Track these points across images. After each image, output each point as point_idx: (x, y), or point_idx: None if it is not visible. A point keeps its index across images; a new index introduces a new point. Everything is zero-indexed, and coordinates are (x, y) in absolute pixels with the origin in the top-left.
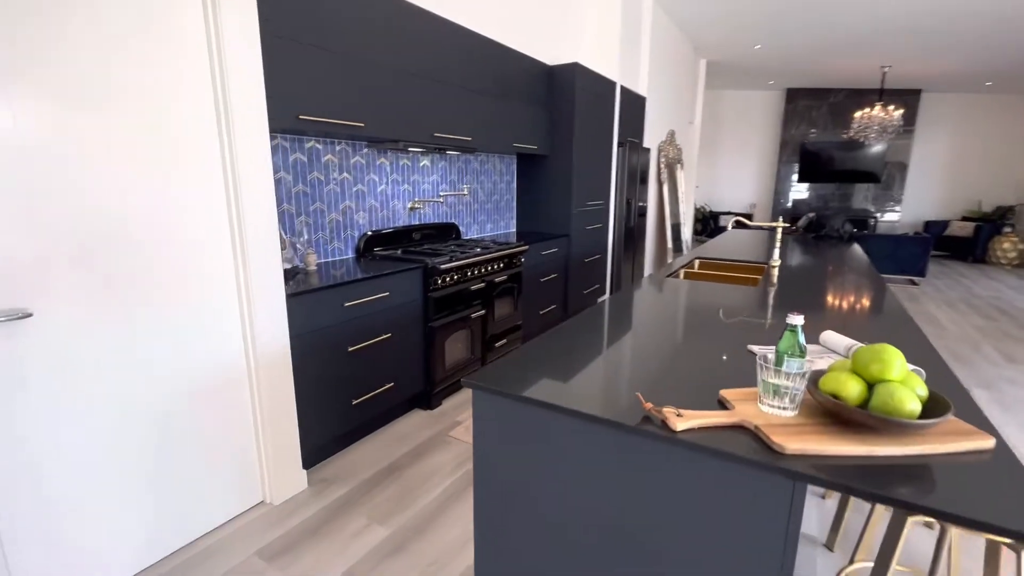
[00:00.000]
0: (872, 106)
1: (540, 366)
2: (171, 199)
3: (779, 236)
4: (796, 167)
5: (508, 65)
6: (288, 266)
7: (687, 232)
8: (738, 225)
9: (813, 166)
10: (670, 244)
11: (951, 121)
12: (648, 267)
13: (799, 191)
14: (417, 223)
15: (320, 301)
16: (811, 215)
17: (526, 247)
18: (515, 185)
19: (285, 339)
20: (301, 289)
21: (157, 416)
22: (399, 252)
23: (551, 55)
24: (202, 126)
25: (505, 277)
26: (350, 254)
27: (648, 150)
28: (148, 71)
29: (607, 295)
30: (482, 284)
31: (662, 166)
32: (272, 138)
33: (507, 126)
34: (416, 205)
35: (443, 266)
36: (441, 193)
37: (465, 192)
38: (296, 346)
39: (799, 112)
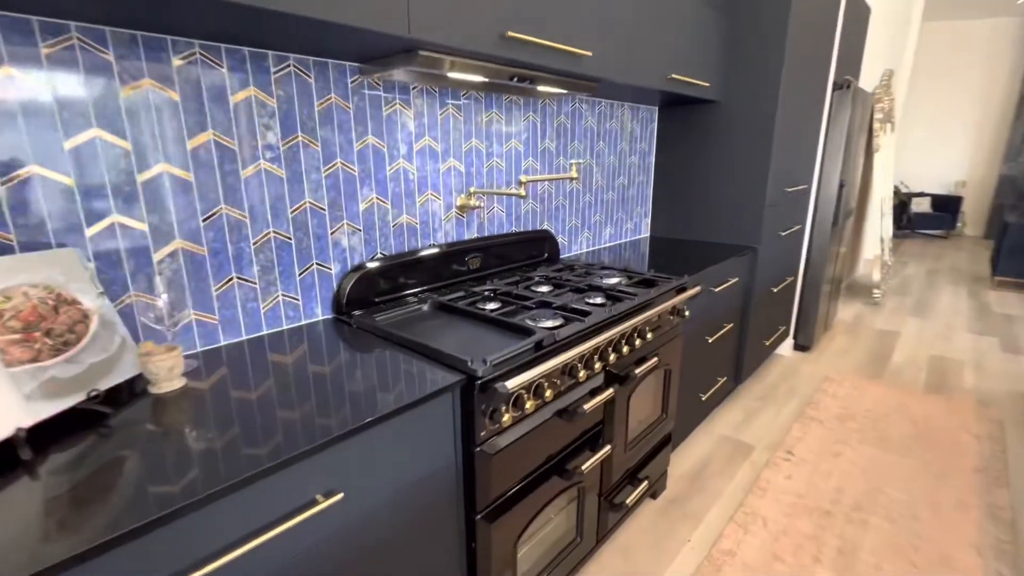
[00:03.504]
0: None
1: None
2: None
3: None
4: None
5: None
6: (48, 409)
7: (887, 227)
8: None
9: None
10: (877, 250)
11: None
12: (844, 295)
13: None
14: (472, 237)
15: None
16: None
17: (697, 288)
18: (652, 159)
19: None
20: None
21: None
22: (425, 307)
23: None
24: None
25: (655, 360)
26: (323, 314)
27: (871, 96)
28: None
29: (790, 339)
30: (607, 384)
31: (876, 125)
32: (61, 32)
33: (656, 37)
34: (470, 201)
35: (509, 383)
36: (522, 177)
37: (574, 174)
38: None
39: None
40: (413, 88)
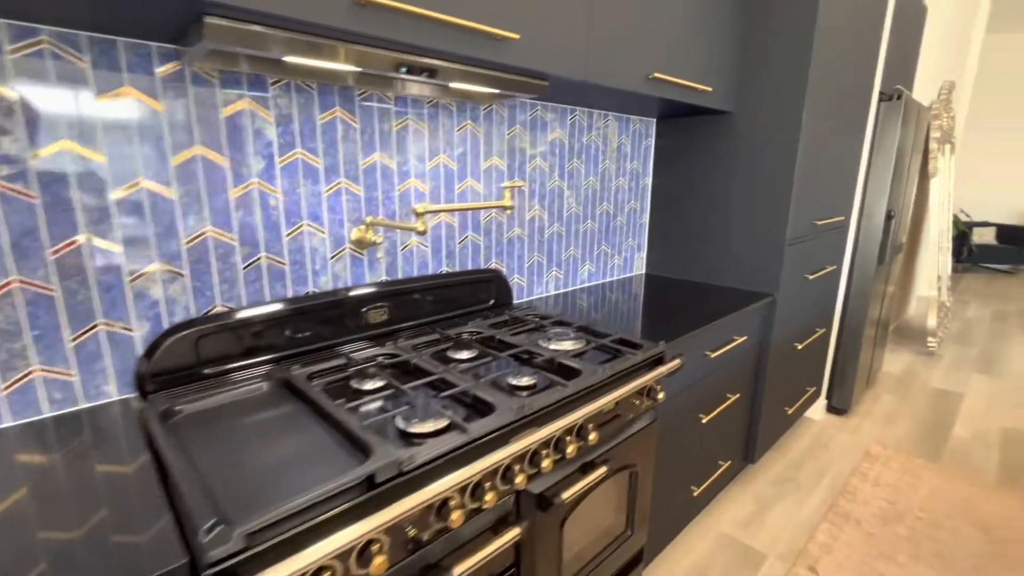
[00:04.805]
0: None
1: None
2: None
3: None
4: None
5: None
6: None
7: (944, 263)
8: None
9: None
10: (933, 290)
11: None
12: (891, 347)
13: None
14: (378, 281)
15: None
16: None
17: (677, 363)
18: (649, 181)
19: None
20: None
21: None
22: (265, 387)
23: None
24: None
25: (602, 470)
26: (120, 392)
27: (927, 110)
28: None
29: (822, 398)
30: (520, 515)
31: (933, 146)
32: None
33: (631, 21)
34: (368, 234)
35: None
36: (417, 207)
37: (507, 202)
38: None
39: None
40: (273, 83)
